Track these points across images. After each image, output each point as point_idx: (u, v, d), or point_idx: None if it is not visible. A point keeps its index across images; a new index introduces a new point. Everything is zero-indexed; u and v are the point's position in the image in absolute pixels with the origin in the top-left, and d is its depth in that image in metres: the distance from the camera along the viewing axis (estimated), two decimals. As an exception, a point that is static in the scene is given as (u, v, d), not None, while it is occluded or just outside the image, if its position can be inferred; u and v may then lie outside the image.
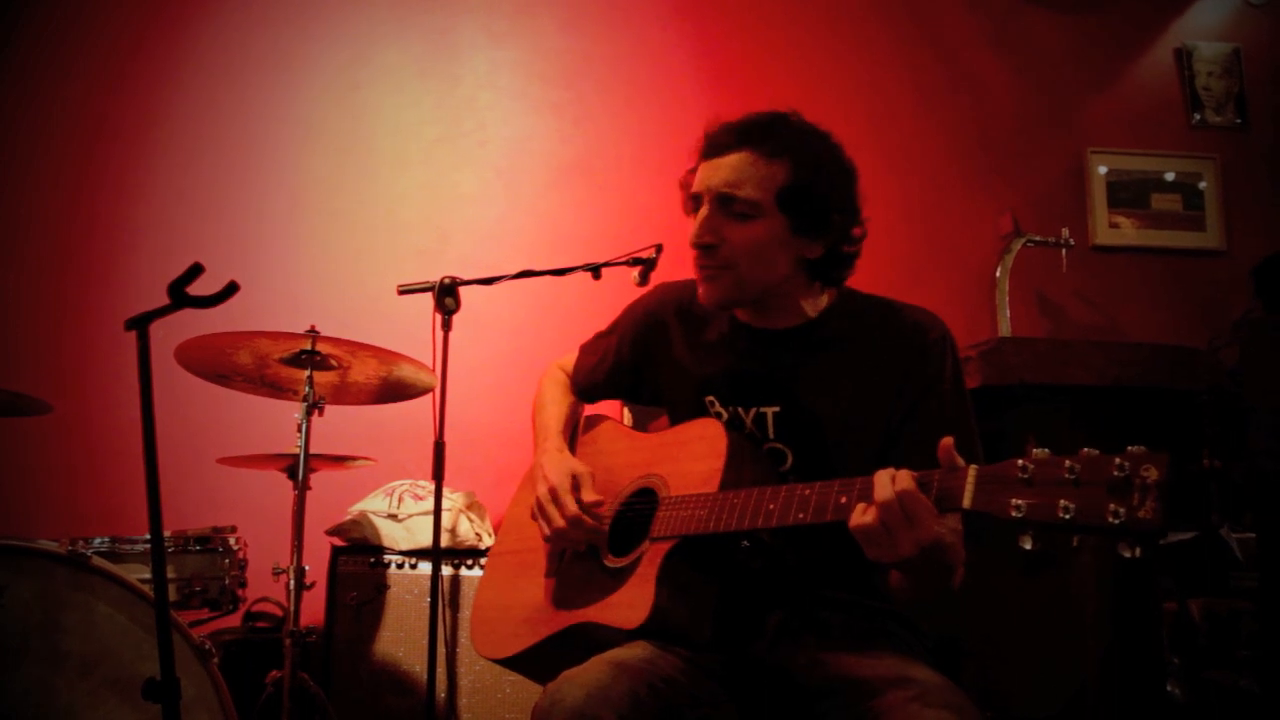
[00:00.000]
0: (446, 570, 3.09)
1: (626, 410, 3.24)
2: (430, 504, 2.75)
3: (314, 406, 2.71)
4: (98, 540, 2.65)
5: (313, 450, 2.72)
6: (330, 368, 2.80)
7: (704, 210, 1.82)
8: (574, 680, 1.57)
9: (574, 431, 2.22)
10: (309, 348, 2.69)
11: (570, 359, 2.29)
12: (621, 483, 1.96)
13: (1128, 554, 1.25)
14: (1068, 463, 1.31)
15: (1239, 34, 4.65)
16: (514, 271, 2.58)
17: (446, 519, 3.11)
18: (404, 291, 2.61)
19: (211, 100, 3.89)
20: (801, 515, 1.59)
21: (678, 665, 1.67)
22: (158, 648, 1.72)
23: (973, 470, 1.41)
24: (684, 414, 1.96)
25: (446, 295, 2.53)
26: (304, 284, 3.80)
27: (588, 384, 2.23)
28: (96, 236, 3.75)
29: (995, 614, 2.89)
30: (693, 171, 1.90)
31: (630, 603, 1.74)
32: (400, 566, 3.10)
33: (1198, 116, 4.56)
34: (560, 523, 1.90)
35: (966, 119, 4.40)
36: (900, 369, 1.82)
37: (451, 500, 3.19)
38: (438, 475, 2.49)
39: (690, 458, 1.84)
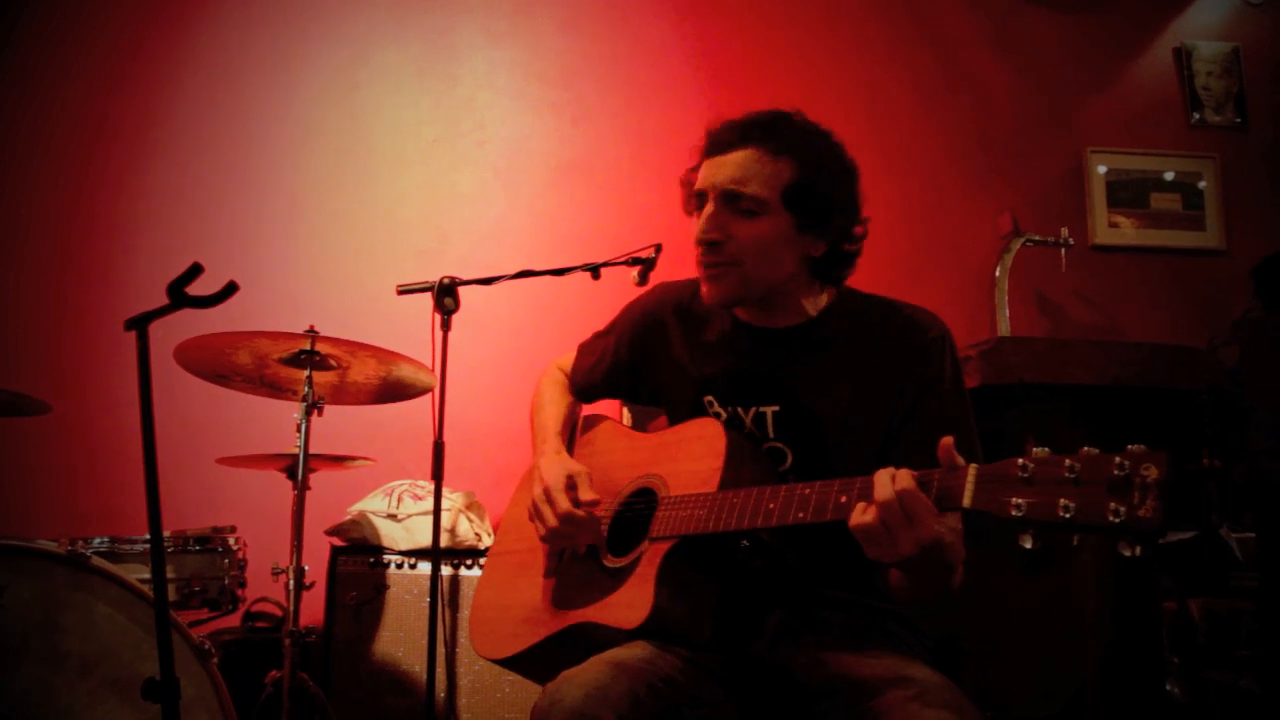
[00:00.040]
0: (446, 570, 3.09)
1: (626, 410, 3.24)
2: (429, 504, 2.76)
3: (313, 406, 2.71)
4: (97, 540, 2.64)
5: (312, 450, 2.73)
6: (329, 368, 2.79)
7: (710, 207, 1.82)
8: (573, 680, 1.57)
9: (572, 432, 2.22)
10: (308, 348, 2.69)
11: (569, 359, 2.29)
12: (620, 483, 1.96)
13: (1128, 553, 1.25)
14: (1068, 462, 1.31)
15: (1238, 33, 4.65)
16: (513, 271, 2.58)
17: (446, 519, 3.11)
18: (403, 291, 2.61)
19: (211, 100, 3.89)
20: (801, 515, 1.59)
21: (677, 665, 1.66)
22: (157, 648, 1.72)
23: (973, 469, 1.41)
24: (683, 414, 1.96)
25: (445, 295, 2.53)
26: (303, 284, 3.80)
27: (586, 384, 2.23)
28: (96, 236, 3.75)
29: (995, 613, 2.89)
30: (694, 170, 1.91)
31: (629, 603, 1.74)
32: (400, 566, 3.09)
33: (1197, 116, 4.56)
34: (553, 522, 1.90)
35: (966, 119, 4.40)
36: (900, 368, 1.82)
37: (451, 500, 3.19)
38: (437, 475, 2.49)
39: (689, 457, 1.84)
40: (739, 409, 1.90)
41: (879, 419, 1.81)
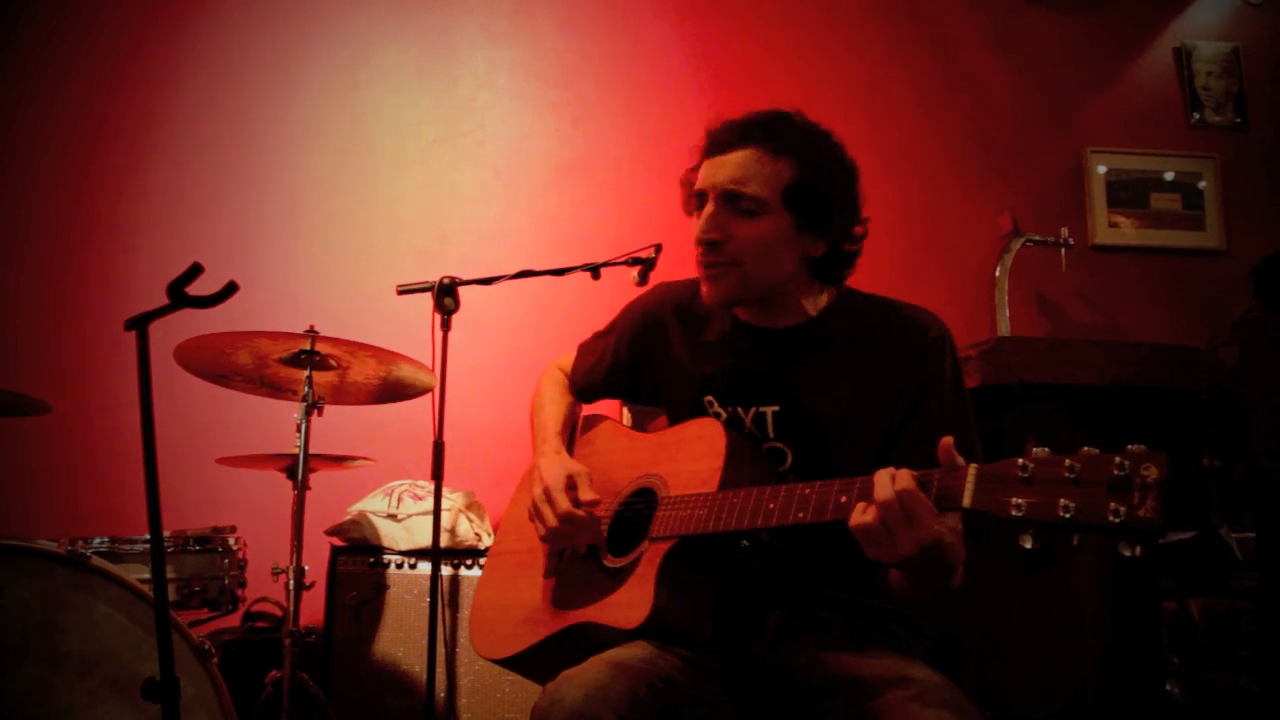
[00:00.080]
0: (446, 570, 3.09)
1: (626, 410, 3.24)
2: (429, 504, 2.76)
3: (313, 406, 2.71)
4: (97, 540, 2.64)
5: (312, 450, 2.72)
6: (329, 368, 2.79)
7: (710, 207, 1.82)
8: (573, 680, 1.57)
9: (572, 432, 2.22)
10: (308, 348, 2.69)
11: (568, 359, 2.29)
12: (620, 483, 1.96)
13: (1128, 552, 1.25)
14: (1068, 462, 1.31)
15: (1238, 33, 4.65)
16: (513, 271, 2.58)
17: (446, 519, 3.11)
18: (403, 291, 2.61)
19: (211, 100, 3.89)
20: (801, 514, 1.59)
21: (677, 665, 1.66)
22: (157, 648, 1.72)
23: (973, 469, 1.41)
24: (683, 414, 1.96)
25: (445, 295, 2.53)
26: (303, 284, 3.80)
27: (586, 384, 2.23)
28: (96, 236, 3.75)
29: (995, 613, 2.89)
30: (694, 170, 1.91)
31: (629, 603, 1.74)
32: (400, 566, 3.09)
33: (1197, 116, 4.56)
34: (553, 522, 1.90)
35: (966, 118, 4.40)
36: (900, 368, 1.82)
37: (451, 500, 3.19)
38: (437, 475, 2.49)
39: (689, 457, 1.84)
40: (739, 409, 1.90)
41: (879, 419, 1.81)
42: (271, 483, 3.03)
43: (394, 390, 2.94)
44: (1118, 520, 1.25)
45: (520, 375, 3.08)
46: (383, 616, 3.05)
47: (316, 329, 2.67)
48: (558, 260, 2.60)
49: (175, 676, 1.73)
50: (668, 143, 3.89)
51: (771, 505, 1.63)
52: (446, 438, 2.50)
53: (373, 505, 3.21)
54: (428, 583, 3.04)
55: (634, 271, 2.37)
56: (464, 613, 3.05)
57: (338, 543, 3.17)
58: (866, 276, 1.98)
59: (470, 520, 3.20)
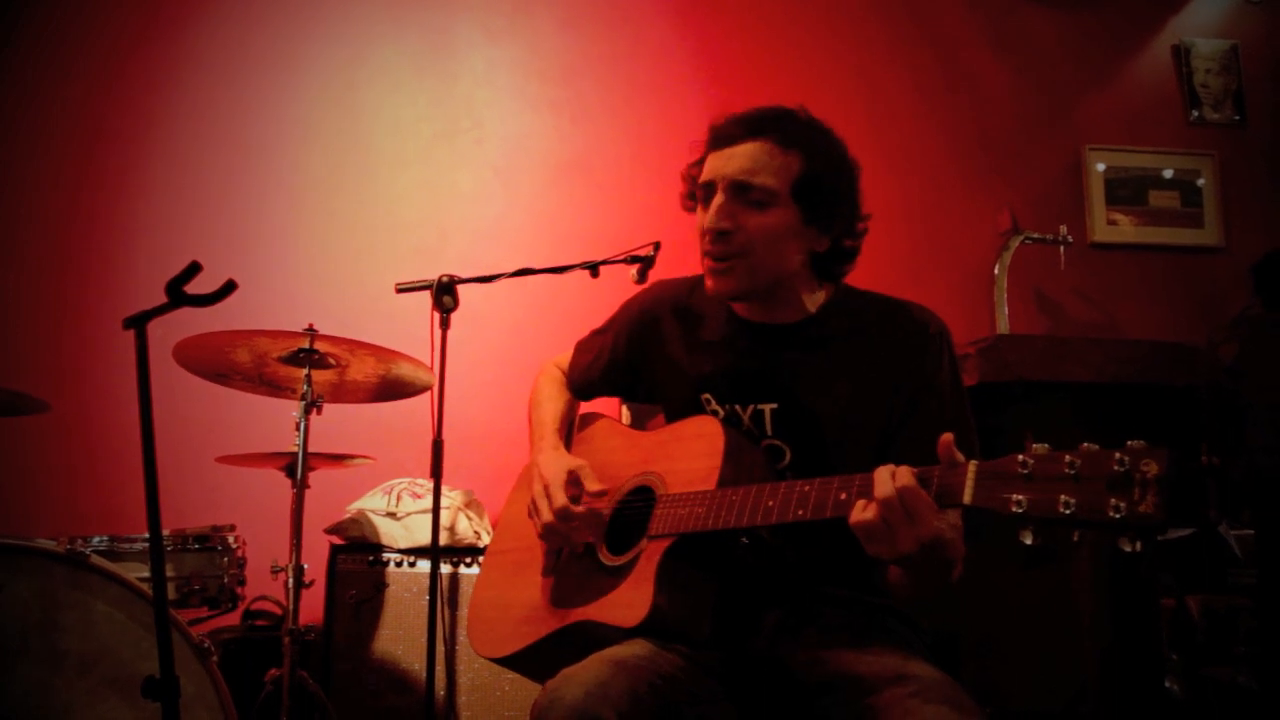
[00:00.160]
0: (445, 568, 3.09)
1: (625, 408, 3.24)
2: (428, 502, 2.75)
3: (312, 405, 2.71)
4: (96, 539, 2.64)
5: (311, 449, 2.72)
6: (328, 366, 2.79)
7: (719, 197, 1.83)
8: (573, 678, 1.57)
9: (570, 429, 2.22)
10: (307, 346, 2.68)
11: (566, 357, 2.29)
12: (619, 480, 1.96)
13: (1129, 548, 1.25)
14: (1068, 458, 1.31)
15: (1237, 31, 4.66)
16: (512, 270, 2.58)
17: (445, 517, 3.10)
18: (402, 290, 2.61)
19: (210, 99, 3.89)
20: (801, 512, 1.59)
21: (677, 663, 1.66)
22: (157, 646, 1.72)
23: (973, 466, 1.41)
24: (680, 411, 1.96)
25: (444, 293, 2.52)
26: (302, 282, 3.80)
27: (583, 382, 2.23)
28: (95, 235, 3.74)
29: (995, 611, 2.90)
30: (697, 164, 1.91)
31: (629, 601, 1.74)
32: (399, 565, 3.09)
33: (1196, 113, 4.56)
34: (549, 517, 1.90)
35: (965, 117, 4.40)
36: (898, 366, 1.82)
37: (450, 498, 3.19)
38: (436, 473, 2.49)
39: (688, 455, 1.84)
40: (737, 406, 1.90)
41: (877, 416, 1.82)
42: (271, 481, 3.02)
43: (393, 389, 2.94)
44: (1118, 516, 1.25)
45: (519, 373, 3.07)
46: (382, 615, 3.05)
47: (315, 327, 2.67)
48: (557, 258, 2.60)
49: (175, 675, 1.73)
50: (667, 141, 3.88)
51: (771, 503, 1.63)
52: (445, 436, 2.50)
53: (372, 503, 3.21)
54: (427, 581, 3.03)
55: (633, 270, 2.36)
56: (463, 611, 3.05)
57: (337, 541, 3.17)
58: (866, 274, 1.98)
59: (469, 518, 3.20)
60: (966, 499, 1.40)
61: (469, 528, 3.18)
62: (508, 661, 1.99)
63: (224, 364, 2.77)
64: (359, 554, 3.11)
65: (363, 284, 3.79)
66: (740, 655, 1.78)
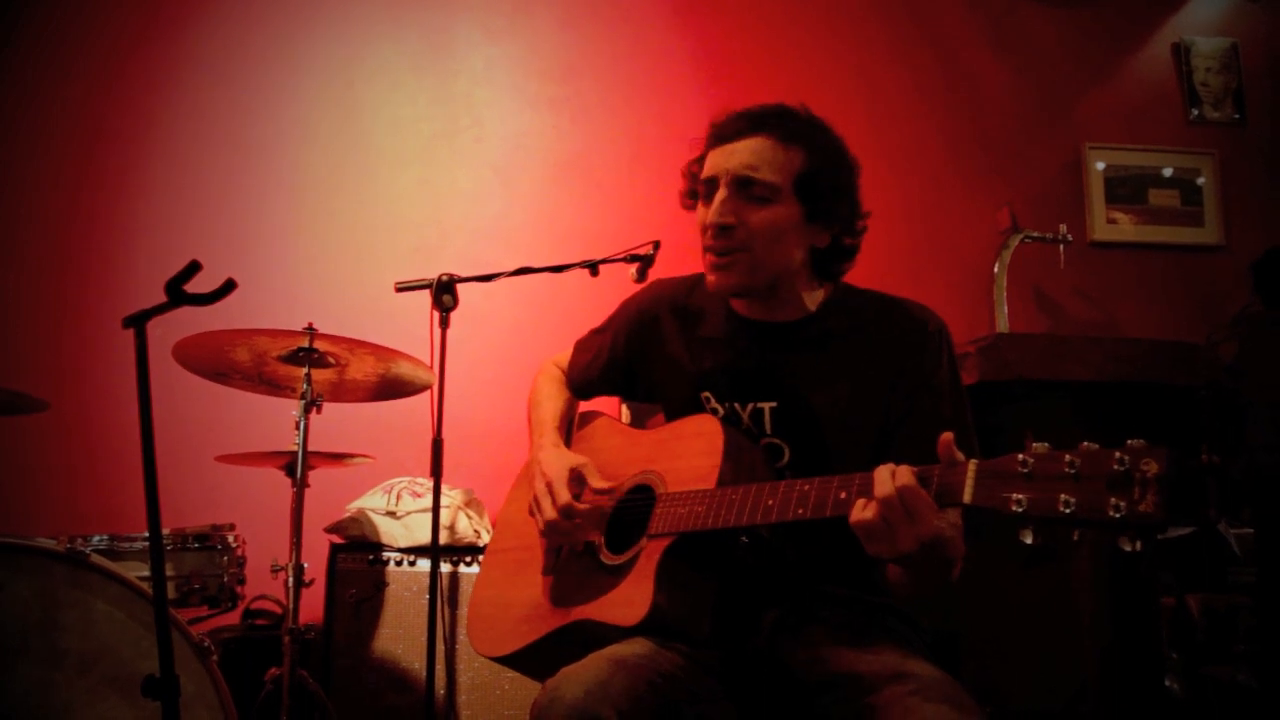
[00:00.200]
0: (445, 567, 3.09)
1: (625, 407, 3.24)
2: (428, 501, 2.75)
3: (312, 404, 2.70)
4: (96, 538, 2.64)
5: (311, 448, 2.72)
6: (328, 365, 2.79)
7: (721, 193, 1.83)
8: (573, 677, 1.57)
9: (569, 428, 2.22)
10: (307, 345, 2.68)
11: (565, 356, 2.29)
12: (618, 479, 1.96)
13: (1129, 547, 1.25)
14: (1067, 457, 1.31)
15: (1237, 29, 4.65)
16: (512, 268, 2.58)
17: (445, 516, 3.10)
18: (401, 289, 2.61)
19: (209, 99, 3.89)
20: (801, 511, 1.59)
21: (677, 661, 1.66)
22: (157, 645, 1.72)
23: (973, 465, 1.41)
24: (680, 410, 1.96)
25: (444, 292, 2.52)
26: (301, 281, 3.80)
27: (582, 380, 2.23)
28: (95, 235, 3.75)
29: (995, 610, 2.89)
30: (697, 162, 1.92)
31: (629, 600, 1.74)
32: (399, 564, 3.09)
33: (1195, 112, 4.56)
34: (552, 514, 1.90)
35: (964, 116, 4.40)
36: (896, 364, 1.82)
37: (450, 497, 3.19)
38: (436, 472, 2.49)
39: (687, 454, 1.84)
40: (736, 405, 1.90)
41: (876, 414, 1.82)
42: (270, 480, 3.02)
43: (393, 387, 2.94)
44: (1118, 515, 1.25)
45: (519, 372, 3.06)
46: (382, 614, 3.05)
47: (315, 326, 2.66)
48: (556, 257, 2.59)
49: (175, 674, 1.73)
50: (667, 140, 3.89)
51: (770, 502, 1.63)
52: (445, 435, 2.50)
53: (372, 502, 3.21)
54: (427, 580, 3.03)
55: (632, 268, 2.36)
56: (463, 610, 3.05)
57: (337, 540, 3.17)
58: (866, 273, 1.98)
59: (469, 517, 3.20)
60: (966, 498, 1.40)
61: (469, 526, 3.18)
62: (508, 660, 1.99)
63: (224, 363, 2.77)
64: (359, 553, 3.11)
65: (362, 283, 3.79)
66: (740, 654, 1.78)
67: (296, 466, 2.68)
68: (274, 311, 3.07)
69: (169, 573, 2.72)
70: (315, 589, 2.86)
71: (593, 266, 2.47)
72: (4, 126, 3.74)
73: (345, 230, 3.90)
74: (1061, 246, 4.17)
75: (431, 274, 2.55)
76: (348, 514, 3.20)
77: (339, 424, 3.12)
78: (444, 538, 2.95)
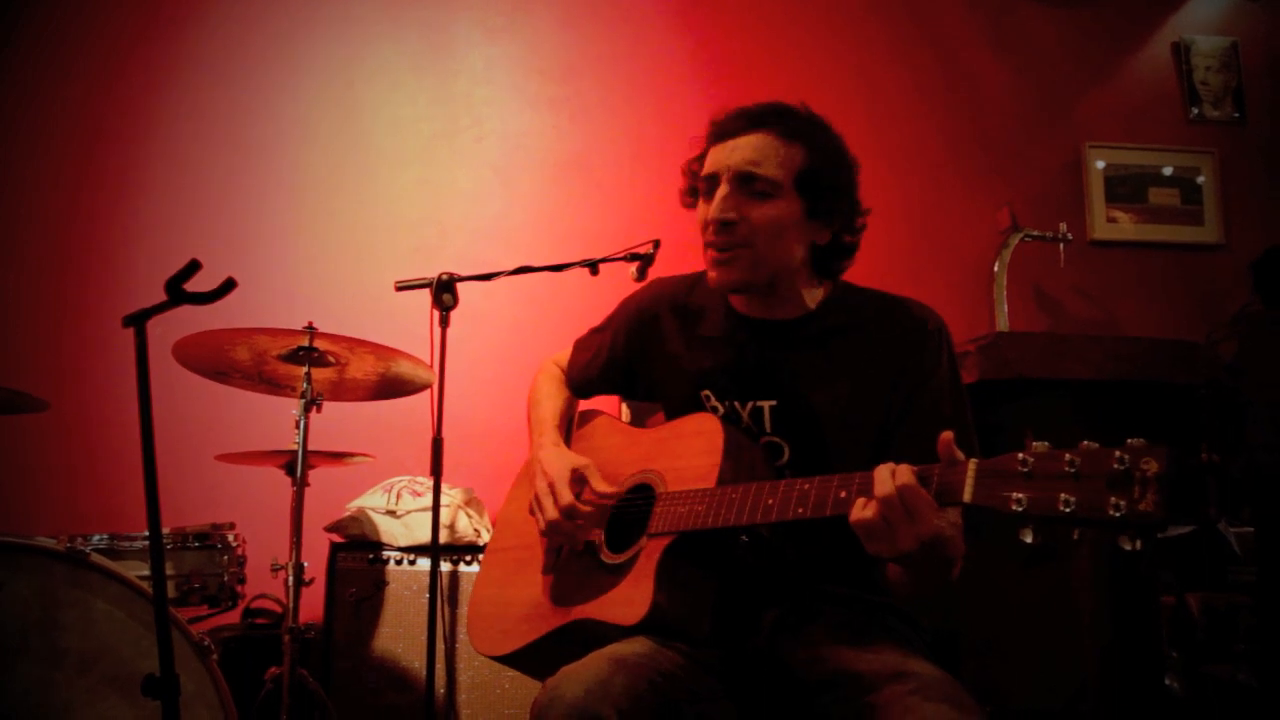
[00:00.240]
0: (445, 566, 3.09)
1: (625, 405, 3.24)
2: (428, 500, 2.75)
3: (312, 403, 2.71)
4: (96, 537, 2.64)
5: (311, 447, 2.72)
6: (328, 364, 2.79)
7: (723, 188, 1.83)
8: (573, 676, 1.57)
9: (569, 427, 2.22)
10: (307, 344, 2.68)
11: (565, 355, 2.29)
12: (618, 479, 1.96)
13: (1129, 546, 1.25)
14: (1067, 456, 1.30)
15: (1237, 28, 4.65)
16: (511, 267, 2.58)
17: (445, 515, 3.10)
18: (401, 288, 2.60)
19: (209, 99, 3.89)
20: (801, 510, 1.59)
21: (677, 661, 1.66)
22: (157, 644, 1.72)
23: (972, 464, 1.41)
24: (680, 409, 1.96)
25: (444, 291, 2.52)
26: (301, 280, 3.80)
27: (582, 379, 2.23)
28: (95, 235, 3.75)
29: (995, 609, 2.90)
30: (697, 160, 1.92)
31: (629, 599, 1.74)
32: (399, 563, 3.09)
33: (1195, 110, 4.56)
34: (554, 514, 1.90)
35: (965, 115, 4.40)
36: (896, 363, 1.82)
37: (450, 496, 3.19)
38: (436, 471, 2.48)
39: (687, 453, 1.84)
40: (736, 403, 1.90)
41: (876, 413, 1.82)
42: (270, 479, 3.02)
43: (393, 386, 2.94)
44: (1118, 515, 1.24)
45: (519, 371, 3.06)
46: (382, 613, 3.05)
47: (315, 325, 2.67)
48: (556, 256, 2.59)
49: (175, 673, 1.73)
50: (666, 140, 3.89)
51: (770, 501, 1.63)
52: (445, 434, 2.50)
53: (372, 501, 3.21)
54: (427, 579, 3.04)
55: (632, 267, 2.36)
56: (463, 609, 3.05)
57: (337, 539, 3.17)
58: (866, 272, 1.98)
59: (469, 516, 3.20)
60: (966, 497, 1.40)
61: (469, 525, 3.18)
62: (508, 659, 1.99)
63: (224, 362, 2.77)
64: (359, 552, 3.11)
65: (362, 282, 3.79)
66: (740, 653, 1.78)
67: (296, 465, 2.69)
68: (274, 310, 3.08)
69: (169, 572, 2.72)
70: (315, 588, 2.86)
71: (592, 265, 2.47)
72: (4, 126, 3.74)
73: (345, 230, 3.90)
74: (1061, 245, 4.17)
75: (431, 273, 2.55)
76: (348, 513, 3.20)
77: (339, 423, 3.12)
78: (444, 537, 2.95)
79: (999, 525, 1.38)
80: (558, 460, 1.97)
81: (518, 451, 2.30)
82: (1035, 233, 4.15)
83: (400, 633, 3.04)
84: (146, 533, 2.34)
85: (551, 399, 2.21)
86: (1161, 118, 4.55)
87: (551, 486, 1.93)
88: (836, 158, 1.87)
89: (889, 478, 1.47)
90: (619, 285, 2.29)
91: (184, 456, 3.23)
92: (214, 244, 3.72)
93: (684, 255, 2.05)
